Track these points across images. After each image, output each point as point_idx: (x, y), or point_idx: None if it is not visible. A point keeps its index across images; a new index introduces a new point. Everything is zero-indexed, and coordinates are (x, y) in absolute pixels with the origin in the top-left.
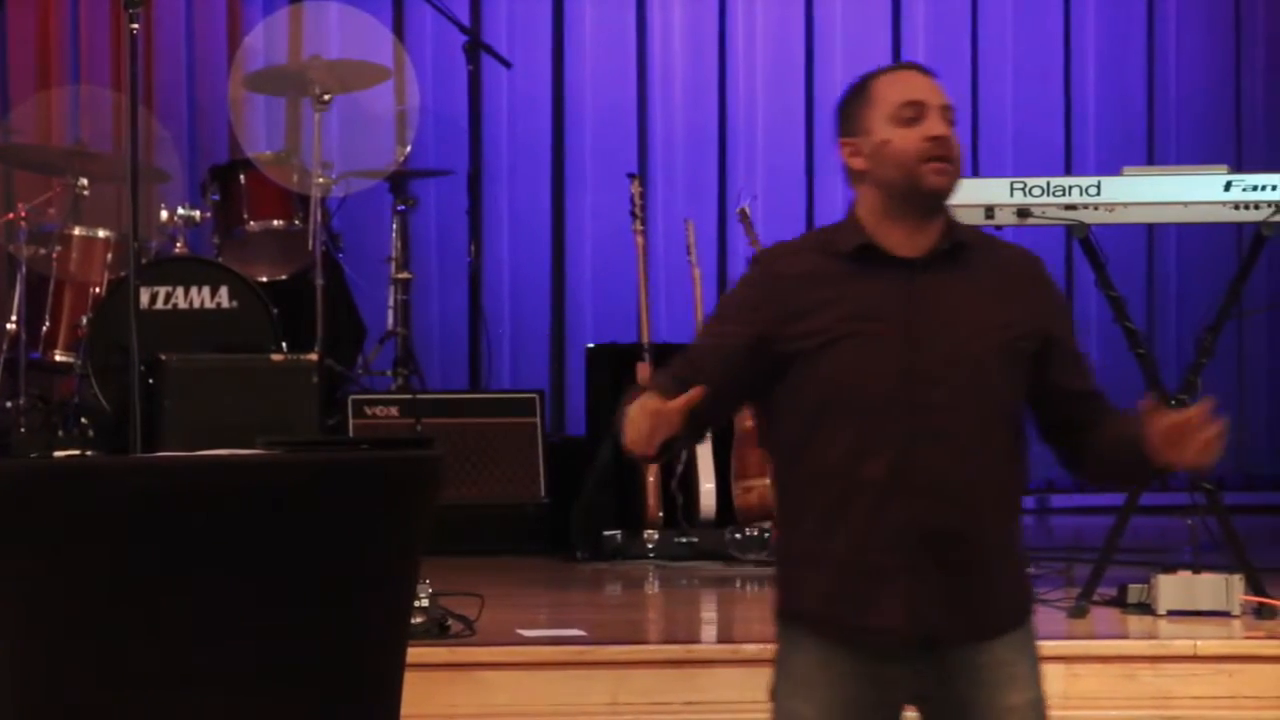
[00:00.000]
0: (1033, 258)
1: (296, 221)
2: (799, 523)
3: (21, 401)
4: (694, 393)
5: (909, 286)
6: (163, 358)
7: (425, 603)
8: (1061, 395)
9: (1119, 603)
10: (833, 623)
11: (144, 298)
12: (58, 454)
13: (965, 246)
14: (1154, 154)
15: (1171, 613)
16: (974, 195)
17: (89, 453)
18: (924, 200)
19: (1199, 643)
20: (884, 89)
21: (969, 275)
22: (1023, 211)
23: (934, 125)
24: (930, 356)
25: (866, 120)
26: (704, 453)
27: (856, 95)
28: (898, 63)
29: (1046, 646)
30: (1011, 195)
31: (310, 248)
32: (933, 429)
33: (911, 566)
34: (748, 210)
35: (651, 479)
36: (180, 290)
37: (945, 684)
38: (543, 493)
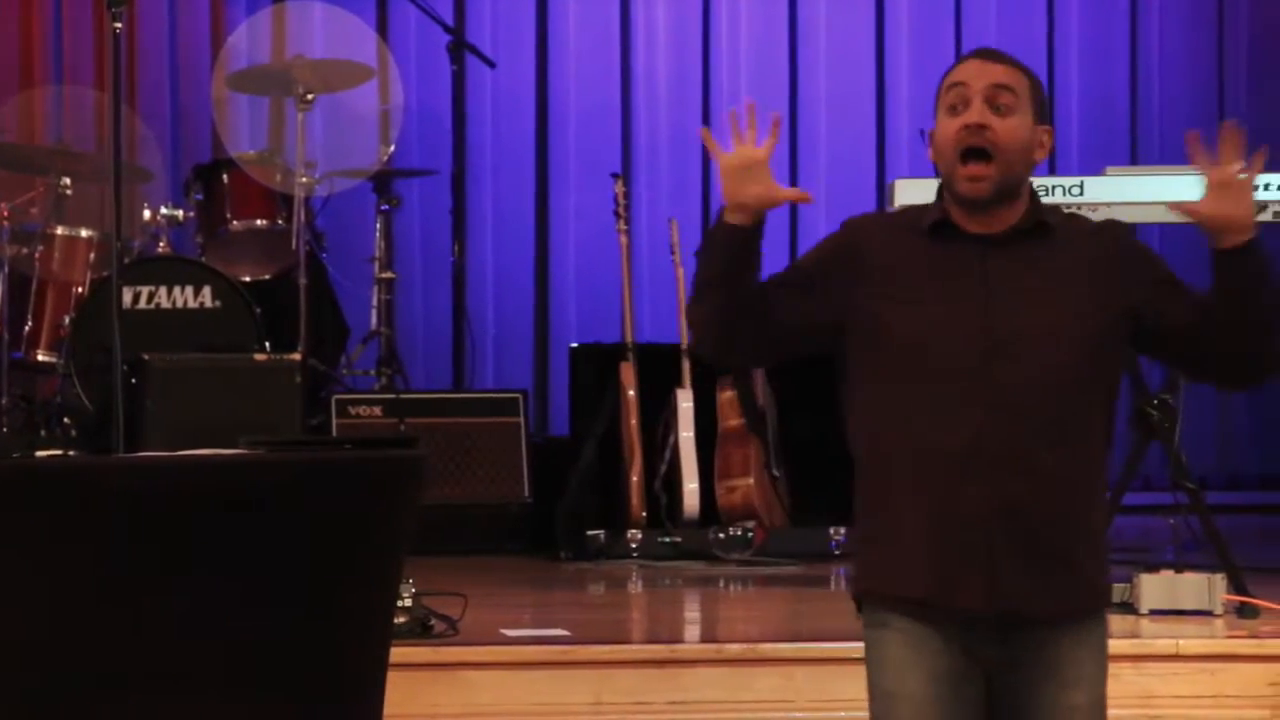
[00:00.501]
0: (1112, 226)
1: (280, 221)
2: (880, 499)
3: (4, 401)
4: (805, 195)
5: (985, 263)
6: (146, 358)
7: (408, 602)
8: (1181, 325)
9: None
10: (915, 601)
11: (127, 297)
12: (40, 454)
13: (1046, 226)
14: (1137, 154)
15: (1154, 612)
16: None
17: (72, 453)
18: (962, 203)
19: (1181, 642)
20: (948, 75)
21: (1049, 254)
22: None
23: (970, 112)
24: (1008, 332)
25: (937, 110)
26: (687, 452)
27: (940, 83)
28: (976, 50)
29: None
30: None
31: (294, 247)
32: (1010, 404)
33: (991, 543)
34: None
35: (635, 479)
36: (163, 290)
37: (1017, 667)
38: (526, 492)
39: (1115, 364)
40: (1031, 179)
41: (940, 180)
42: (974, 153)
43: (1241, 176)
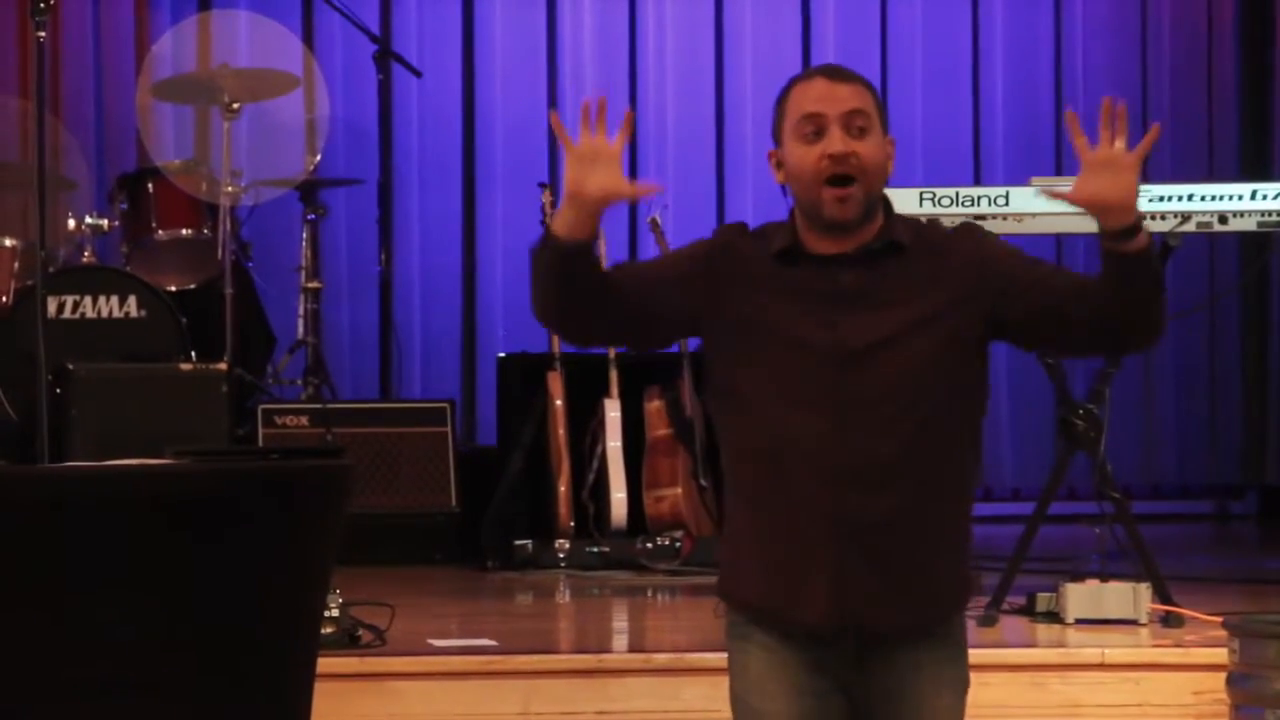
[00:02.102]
0: (966, 229)
1: (205, 230)
2: (733, 509)
3: None
4: (652, 186)
5: (835, 282)
6: (70, 367)
7: (335, 612)
8: (1042, 309)
9: (1027, 611)
10: (766, 613)
11: (51, 307)
12: None
13: (896, 245)
14: (1061, 164)
15: (1080, 621)
16: None
17: None
18: (828, 227)
19: (1107, 651)
20: (793, 100)
21: (900, 267)
22: (932, 221)
23: (832, 141)
24: (856, 345)
25: (781, 132)
26: (615, 462)
27: (777, 104)
28: (813, 67)
29: None
30: (920, 205)
31: (219, 257)
32: (860, 418)
33: (836, 555)
34: (659, 219)
35: (563, 489)
36: (88, 299)
37: (873, 677)
38: (453, 502)
39: (972, 370)
40: (958, 188)
41: (796, 205)
42: (840, 179)
43: (1120, 151)
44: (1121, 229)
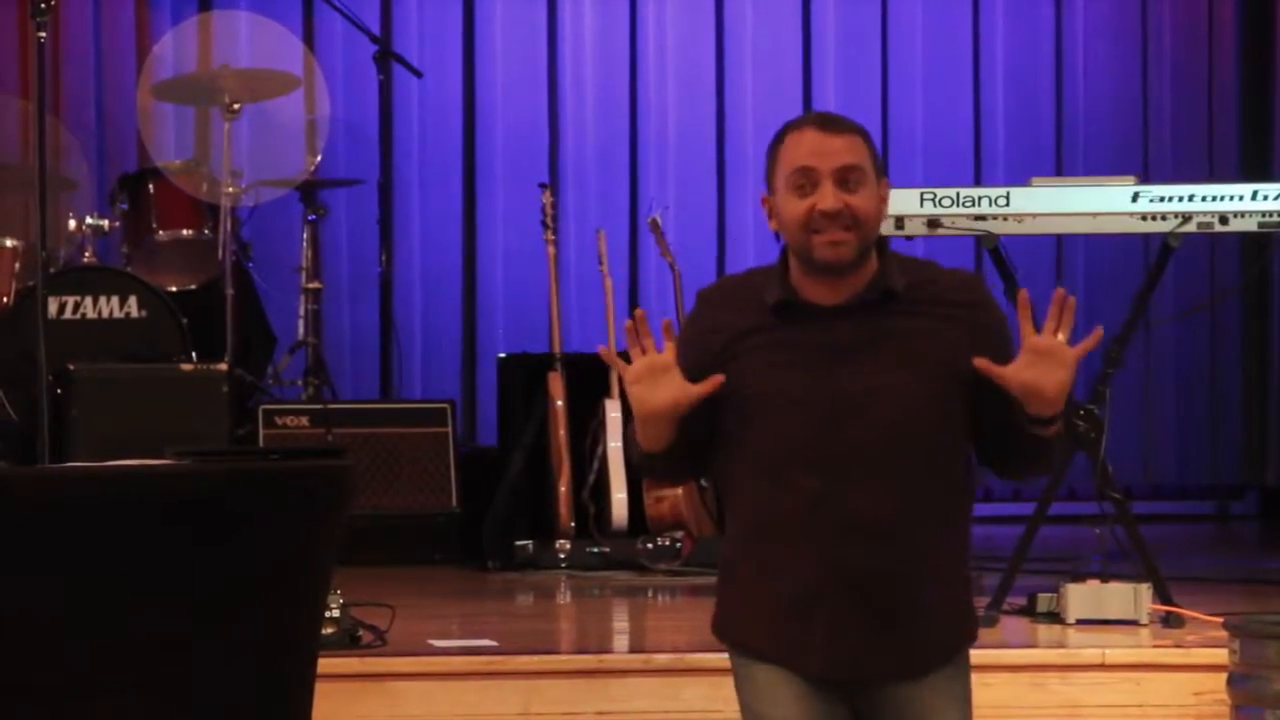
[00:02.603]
0: (969, 284)
1: (206, 231)
2: (732, 556)
3: None
4: (715, 380)
5: (829, 335)
6: (71, 368)
7: (336, 613)
8: (999, 419)
9: (1028, 612)
10: (765, 657)
11: (52, 307)
12: None
13: (891, 293)
14: (1062, 165)
15: (1080, 621)
16: None
17: None
18: (821, 270)
19: (1107, 651)
20: (786, 150)
21: (898, 316)
22: (932, 222)
23: (824, 196)
24: (847, 401)
25: (774, 180)
26: (616, 462)
27: (771, 150)
28: (806, 116)
29: None
30: (921, 206)
31: (220, 257)
32: (856, 470)
33: (829, 609)
34: (659, 220)
35: (563, 489)
36: (89, 300)
37: (880, 699)
38: (454, 502)
39: (963, 421)
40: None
41: (790, 249)
42: (826, 232)
43: (1061, 345)
44: (1042, 418)
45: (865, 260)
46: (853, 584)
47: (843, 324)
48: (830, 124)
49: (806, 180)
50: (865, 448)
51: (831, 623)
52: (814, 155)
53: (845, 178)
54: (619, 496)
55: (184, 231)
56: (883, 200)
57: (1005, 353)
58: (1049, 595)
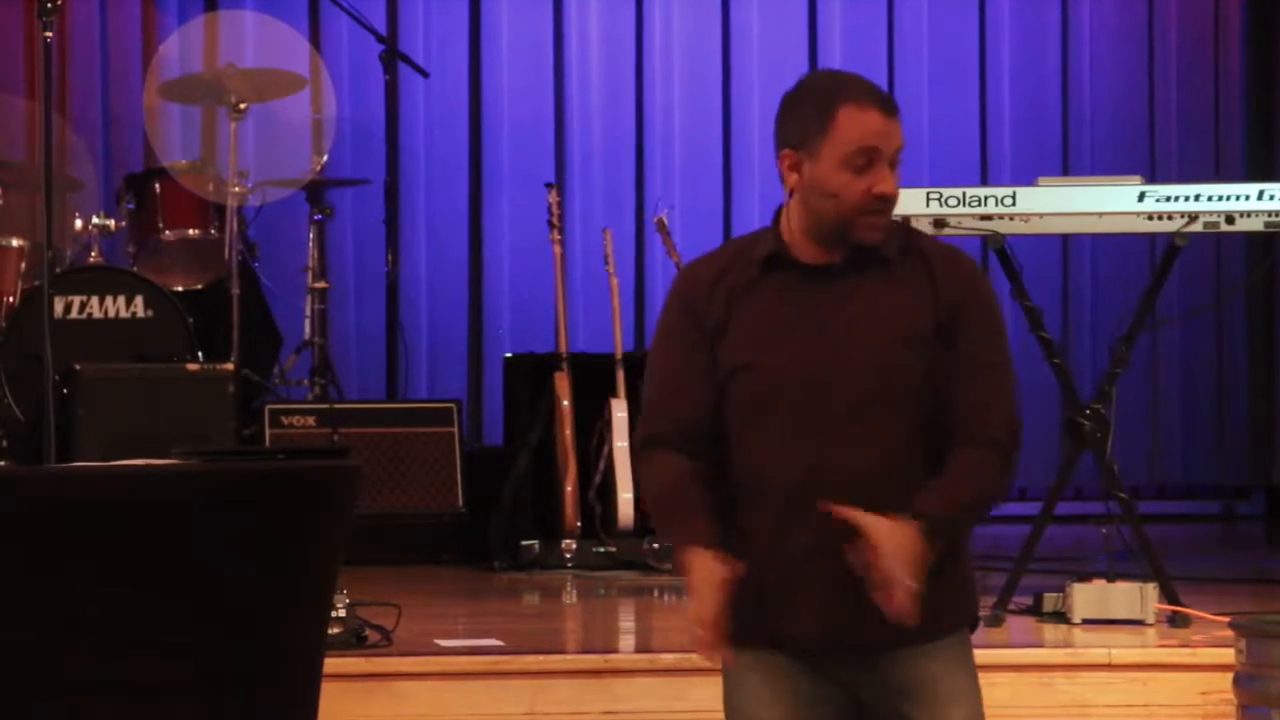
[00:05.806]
0: (959, 259)
1: (212, 231)
2: (736, 523)
3: None
4: (737, 568)
5: (819, 292)
6: (77, 367)
7: (342, 613)
8: (940, 399)
9: (1034, 611)
10: (754, 629)
11: (58, 307)
12: None
13: (881, 258)
14: (1069, 165)
15: (1086, 621)
16: None
17: (2, 463)
18: (851, 245)
19: (1114, 651)
20: (845, 124)
21: (886, 277)
22: (939, 222)
23: (883, 179)
24: (842, 361)
25: (818, 145)
26: (622, 462)
27: (814, 110)
28: (859, 86)
29: None
30: (928, 206)
31: (226, 257)
32: (848, 432)
33: (827, 573)
34: (665, 219)
35: (569, 489)
36: (95, 299)
37: (883, 696)
38: (460, 502)
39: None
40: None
41: (809, 215)
42: (878, 215)
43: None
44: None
45: None
46: (842, 547)
47: (830, 283)
48: (891, 106)
49: (868, 160)
50: (858, 415)
51: (823, 588)
52: (880, 137)
53: (896, 161)
54: (625, 496)
55: (190, 231)
56: None
57: (971, 334)
58: (1055, 595)
